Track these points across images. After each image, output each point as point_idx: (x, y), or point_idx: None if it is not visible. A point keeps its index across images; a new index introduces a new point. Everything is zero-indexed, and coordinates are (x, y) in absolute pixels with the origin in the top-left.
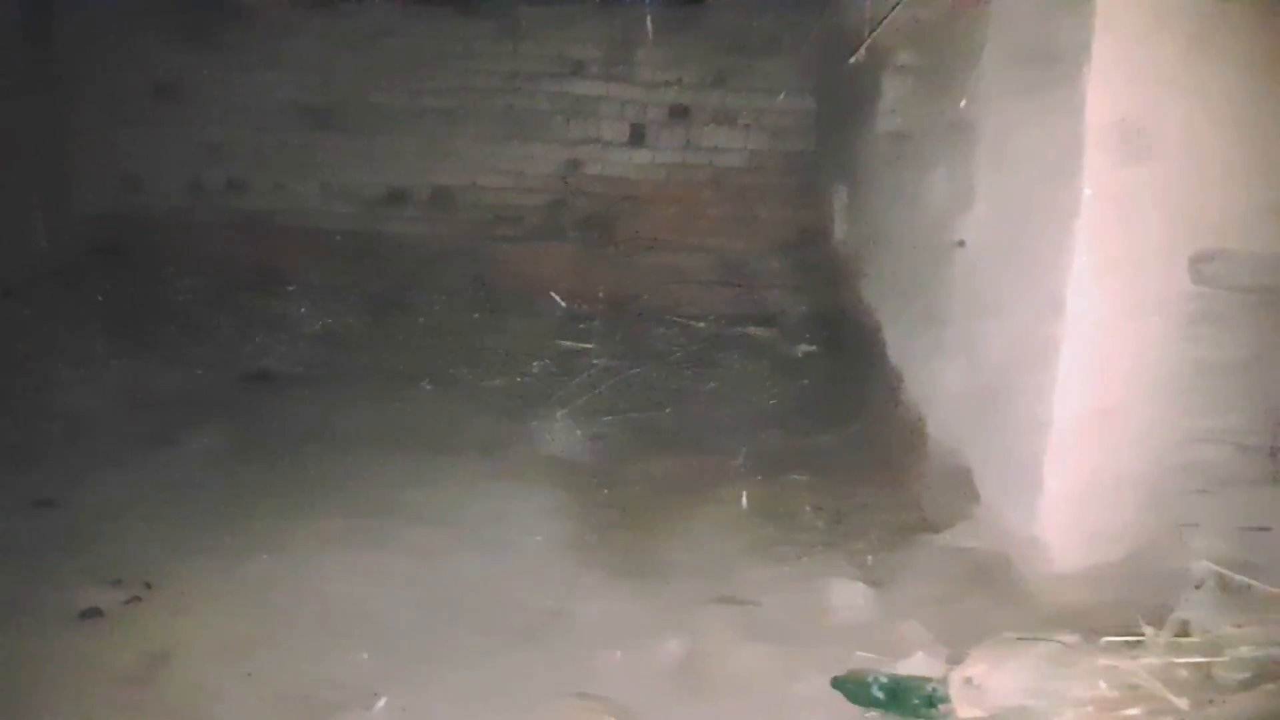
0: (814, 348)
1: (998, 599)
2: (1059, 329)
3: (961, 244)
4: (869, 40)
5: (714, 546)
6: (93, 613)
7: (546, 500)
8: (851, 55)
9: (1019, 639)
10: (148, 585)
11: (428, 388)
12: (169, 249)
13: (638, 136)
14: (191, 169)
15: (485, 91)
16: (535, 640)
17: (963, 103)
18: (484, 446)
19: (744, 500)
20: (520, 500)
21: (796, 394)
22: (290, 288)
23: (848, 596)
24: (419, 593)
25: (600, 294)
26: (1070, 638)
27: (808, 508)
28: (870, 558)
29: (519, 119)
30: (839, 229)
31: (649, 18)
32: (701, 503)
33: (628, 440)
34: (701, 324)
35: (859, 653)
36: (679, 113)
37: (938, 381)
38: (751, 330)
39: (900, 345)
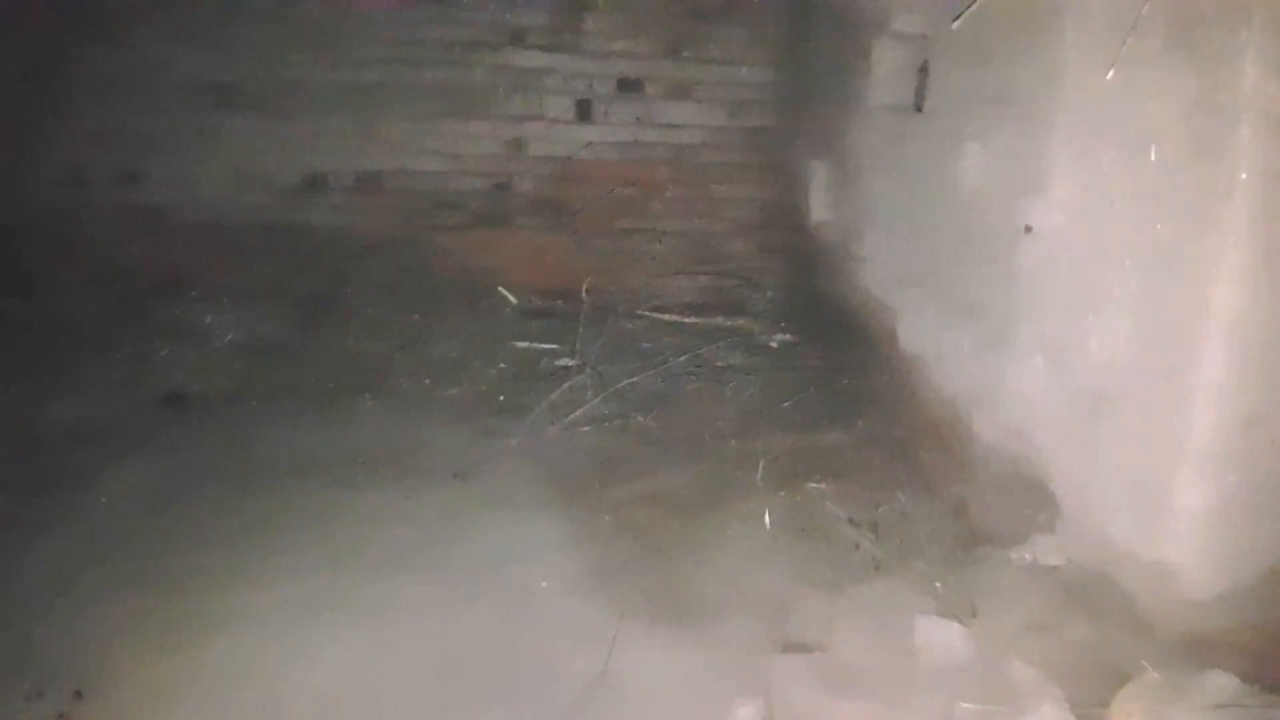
0: (790, 337)
1: (1108, 628)
2: (1200, 329)
3: (1029, 230)
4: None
5: (751, 576)
6: None
7: (544, 531)
8: (955, 19)
9: (1167, 681)
10: (78, 694)
11: (370, 403)
12: (52, 254)
13: (584, 112)
14: (73, 160)
15: (415, 64)
16: (585, 715)
17: (1109, 74)
18: (455, 470)
19: (767, 518)
20: (513, 534)
21: (787, 389)
22: (197, 293)
23: (933, 633)
24: (428, 664)
25: (554, 287)
26: (1222, 677)
27: (840, 521)
28: (939, 583)
29: (454, 94)
30: (817, 210)
31: None
32: (719, 523)
33: (618, 453)
34: (668, 315)
35: (963, 704)
36: (630, 86)
37: (994, 380)
38: (721, 321)
39: (926, 338)
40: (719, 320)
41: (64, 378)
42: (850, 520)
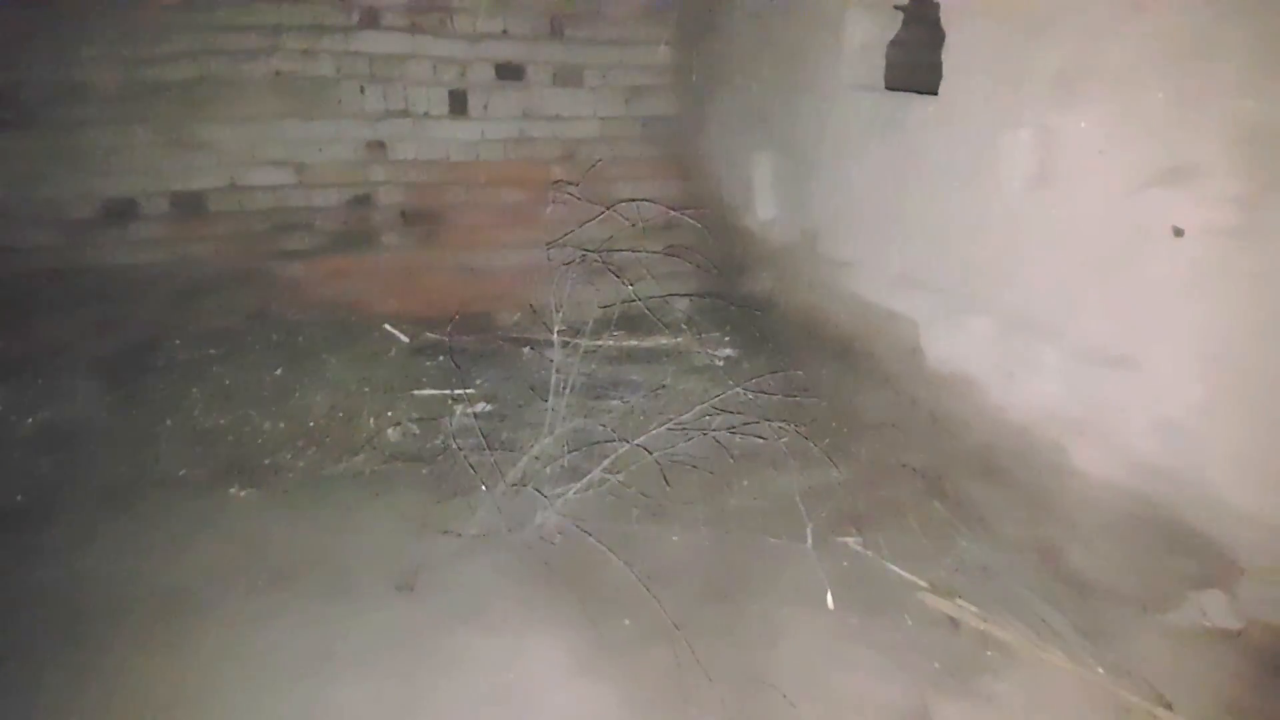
0: (733, 352)
1: None
2: None
3: (1179, 233)
4: None
5: (845, 688)
6: None
7: (549, 655)
8: None
9: None
10: None
11: (241, 495)
12: None
13: (459, 105)
14: None
15: (239, 55)
16: None
17: None
18: (391, 578)
19: (829, 598)
20: (511, 668)
21: (759, 417)
22: None
23: None
24: None
25: (441, 316)
26: None
27: (916, 589)
28: (1101, 668)
29: (294, 90)
30: (762, 208)
31: None
32: (766, 608)
33: (602, 528)
34: (586, 340)
35: None
36: (509, 73)
37: (1107, 405)
38: (655, 341)
39: (977, 353)
40: (652, 341)
41: None
42: (929, 586)
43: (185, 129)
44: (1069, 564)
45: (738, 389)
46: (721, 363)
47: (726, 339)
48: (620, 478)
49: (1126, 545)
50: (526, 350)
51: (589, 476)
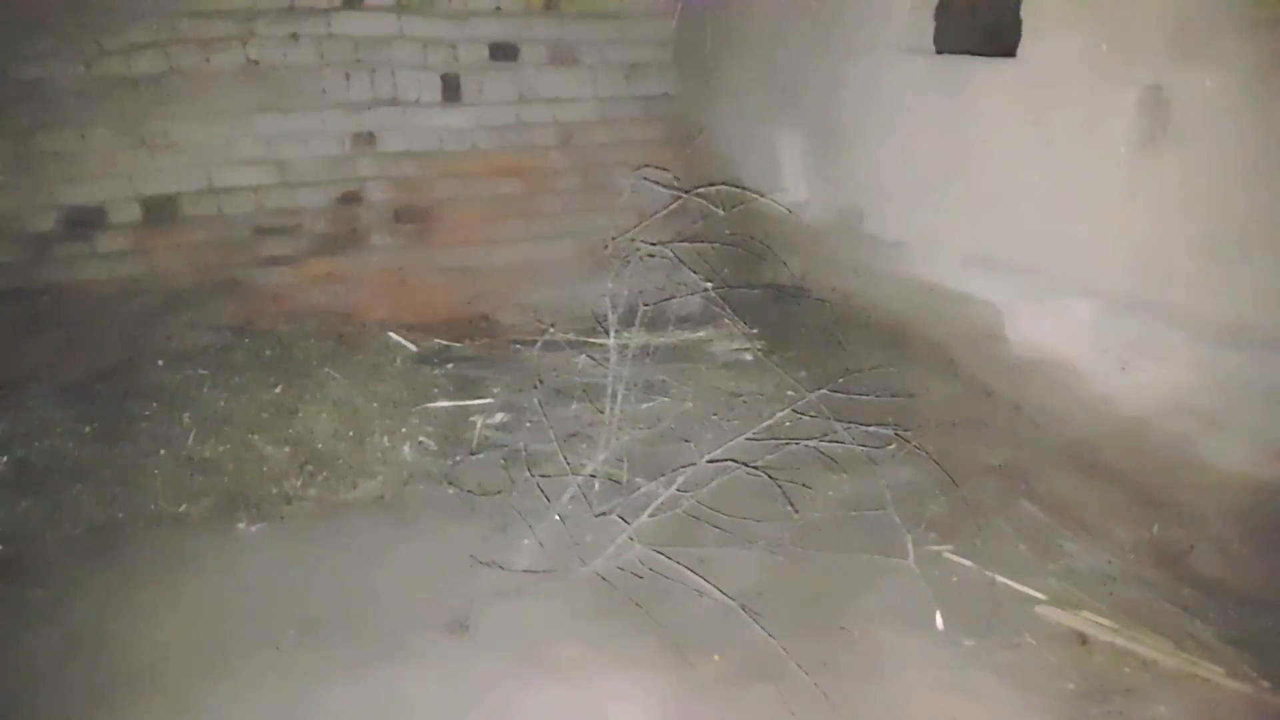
0: (760, 344)
1: None
2: None
3: None
4: None
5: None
6: None
7: (631, 700)
8: None
9: None
10: None
11: (253, 530)
12: None
13: (452, 91)
14: None
15: (210, 44)
16: None
17: None
18: (439, 623)
19: (939, 619)
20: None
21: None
22: None
23: None
24: None
25: (441, 320)
26: None
27: (1032, 600)
28: (1266, 683)
29: (272, 81)
30: (793, 189)
31: None
32: (871, 632)
33: (671, 550)
34: (600, 339)
35: None
36: (503, 53)
37: (1244, 392)
38: (672, 337)
39: (1076, 339)
40: (668, 335)
41: None
42: (1047, 598)
43: (153, 127)
44: (1200, 567)
45: (823, 390)
46: (751, 356)
47: (755, 330)
48: (700, 495)
49: (1270, 543)
50: (581, 358)
51: (662, 496)
